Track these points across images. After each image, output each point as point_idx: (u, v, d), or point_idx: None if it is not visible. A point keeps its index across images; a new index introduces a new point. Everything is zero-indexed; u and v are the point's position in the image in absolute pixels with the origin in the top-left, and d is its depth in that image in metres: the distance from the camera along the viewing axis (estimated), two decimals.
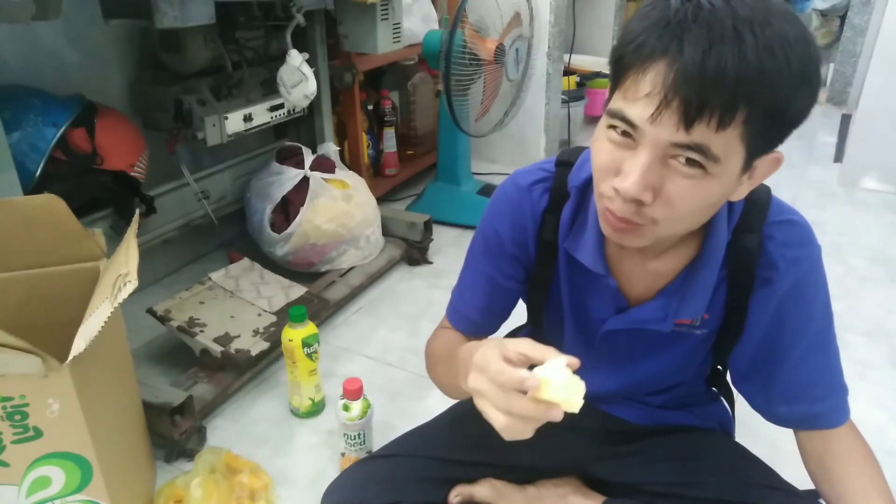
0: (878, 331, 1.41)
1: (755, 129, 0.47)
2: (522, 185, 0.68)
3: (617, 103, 0.50)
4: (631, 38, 0.48)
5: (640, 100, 0.47)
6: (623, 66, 0.49)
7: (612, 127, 0.50)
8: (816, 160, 2.47)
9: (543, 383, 0.47)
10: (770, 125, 0.48)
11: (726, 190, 0.51)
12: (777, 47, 0.45)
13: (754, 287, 0.62)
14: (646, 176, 0.48)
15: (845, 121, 2.59)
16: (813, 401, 0.65)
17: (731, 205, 0.60)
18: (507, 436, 0.49)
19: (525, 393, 0.47)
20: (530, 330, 0.84)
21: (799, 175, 2.32)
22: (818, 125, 2.91)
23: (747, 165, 0.51)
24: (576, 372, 0.48)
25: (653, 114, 0.47)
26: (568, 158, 0.67)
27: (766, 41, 0.44)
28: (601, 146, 0.52)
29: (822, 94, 3.27)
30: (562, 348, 0.77)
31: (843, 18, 3.18)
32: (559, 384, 0.47)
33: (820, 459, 0.66)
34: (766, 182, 0.58)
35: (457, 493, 0.76)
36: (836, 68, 3.18)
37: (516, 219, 0.68)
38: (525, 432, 0.49)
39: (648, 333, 0.66)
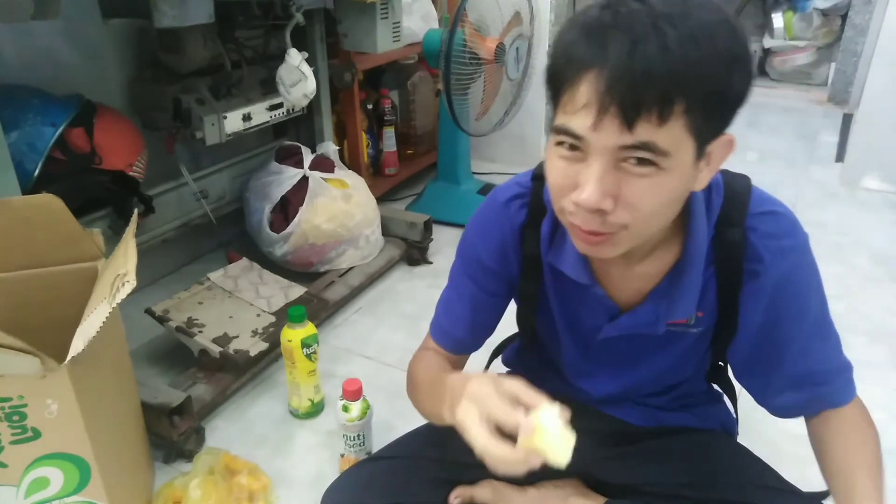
0: (879, 331, 1.41)
1: (697, 116, 0.47)
2: (500, 201, 0.69)
3: (560, 119, 0.50)
4: (559, 54, 0.49)
5: (579, 111, 0.48)
6: (558, 82, 0.50)
7: (560, 143, 0.51)
8: (818, 160, 2.46)
9: (538, 430, 0.47)
10: (711, 110, 0.48)
11: (685, 181, 0.51)
12: (700, 35, 0.45)
13: (743, 281, 0.61)
14: (602, 184, 0.49)
15: (847, 120, 2.58)
16: (816, 385, 0.65)
17: (709, 200, 0.60)
18: (494, 468, 0.50)
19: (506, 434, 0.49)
20: (520, 343, 0.83)
21: (800, 175, 2.31)
22: (819, 125, 2.90)
23: (700, 153, 0.51)
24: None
25: (593, 122, 0.47)
26: (543, 172, 0.67)
27: (687, 31, 0.45)
28: (553, 164, 0.52)
29: (823, 94, 3.27)
30: (559, 358, 0.77)
31: (844, 18, 3.17)
32: (554, 434, 0.47)
33: (820, 437, 0.66)
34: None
35: (457, 495, 0.76)
36: (838, 68, 3.17)
37: (496, 235, 0.69)
38: (508, 470, 0.49)
39: (644, 336, 0.66)
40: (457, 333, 0.74)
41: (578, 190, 0.50)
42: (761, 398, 0.69)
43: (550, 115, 0.53)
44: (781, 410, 0.68)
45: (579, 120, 0.48)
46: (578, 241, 0.55)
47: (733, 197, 0.61)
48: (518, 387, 0.51)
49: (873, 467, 0.61)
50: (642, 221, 0.51)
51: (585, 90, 0.47)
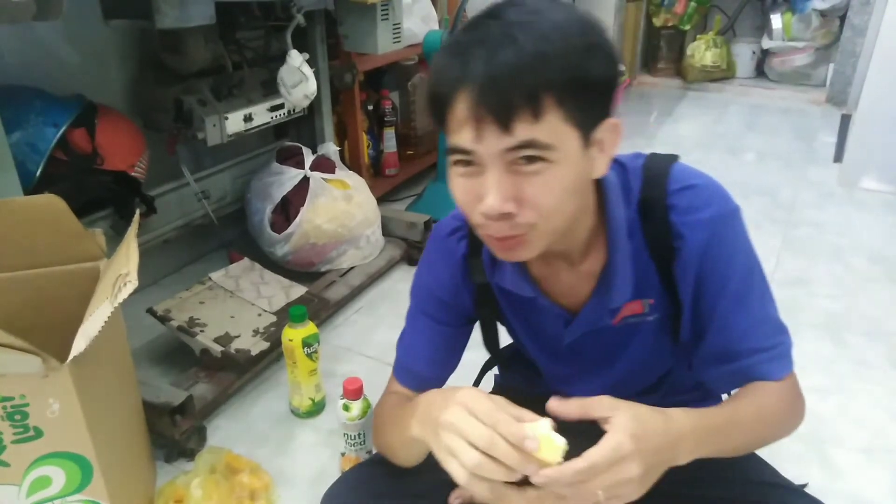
0: (878, 330, 1.41)
1: (571, 106, 0.50)
2: (441, 236, 0.72)
3: (449, 140, 0.53)
4: (433, 81, 0.53)
5: (461, 128, 0.51)
6: (438, 107, 0.53)
7: (457, 163, 0.53)
8: (816, 160, 2.47)
9: (544, 441, 0.48)
10: (583, 98, 0.50)
11: (578, 170, 0.53)
12: (551, 34, 0.49)
13: (675, 260, 0.62)
14: (500, 189, 0.51)
15: (845, 121, 2.59)
16: (737, 361, 0.63)
17: (627, 185, 0.62)
18: (467, 485, 0.50)
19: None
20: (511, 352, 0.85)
21: (799, 175, 2.32)
22: (818, 126, 2.91)
23: (587, 140, 0.53)
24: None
25: (475, 134, 0.50)
26: None
27: (538, 33, 0.48)
28: (455, 184, 0.55)
29: (822, 95, 3.28)
30: (539, 370, 0.77)
31: (842, 19, 3.18)
32: (558, 445, 0.48)
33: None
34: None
35: (457, 496, 0.77)
36: (836, 68, 3.18)
37: (443, 269, 0.71)
38: (483, 492, 0.50)
39: (604, 333, 0.67)
40: (420, 371, 0.75)
41: (482, 202, 0.52)
42: (696, 373, 0.68)
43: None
44: (712, 384, 0.68)
45: (463, 135, 0.51)
46: (496, 250, 0.57)
47: (652, 179, 0.62)
48: (503, 401, 0.52)
49: (749, 409, 0.59)
50: (548, 216, 0.53)
51: (461, 107, 0.50)
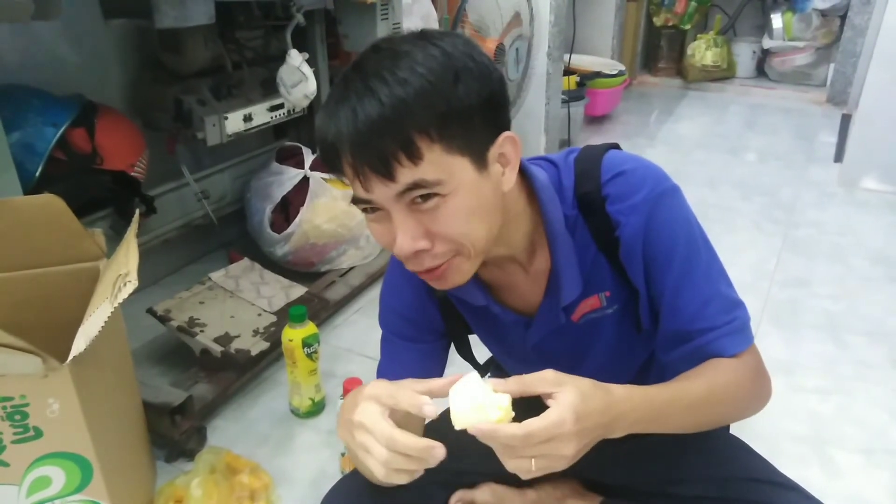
0: (879, 330, 1.41)
1: (452, 138, 0.50)
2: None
3: (351, 191, 0.54)
4: (318, 140, 0.54)
5: (353, 182, 0.52)
6: (329, 162, 0.54)
7: (364, 210, 0.55)
8: (816, 160, 2.47)
9: (454, 415, 0.49)
10: (459, 127, 0.50)
11: (481, 191, 0.53)
12: (408, 76, 0.49)
13: (619, 249, 0.62)
14: (407, 230, 0.52)
15: (845, 121, 2.59)
16: (690, 341, 0.61)
17: (559, 182, 0.62)
18: (387, 479, 0.51)
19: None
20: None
21: (799, 175, 2.32)
22: (818, 125, 2.91)
23: (481, 162, 0.53)
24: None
25: (363, 186, 0.51)
26: None
27: (396, 79, 0.49)
28: (372, 229, 0.56)
29: (822, 94, 3.27)
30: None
31: (843, 18, 3.17)
32: (469, 408, 0.48)
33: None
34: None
35: (458, 499, 0.77)
36: (836, 68, 3.17)
37: (407, 289, 0.71)
38: (403, 478, 0.51)
39: (568, 332, 0.67)
40: None
41: (395, 244, 0.53)
42: (659, 357, 0.67)
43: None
44: (673, 367, 0.66)
45: (357, 188, 0.52)
46: (430, 282, 0.58)
47: (585, 173, 0.62)
48: (411, 381, 0.54)
49: (699, 387, 0.58)
50: (466, 240, 0.53)
51: (345, 164, 0.52)
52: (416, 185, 0.50)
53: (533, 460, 0.49)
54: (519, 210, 0.60)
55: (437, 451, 0.50)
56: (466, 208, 0.52)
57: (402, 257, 0.54)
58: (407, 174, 0.49)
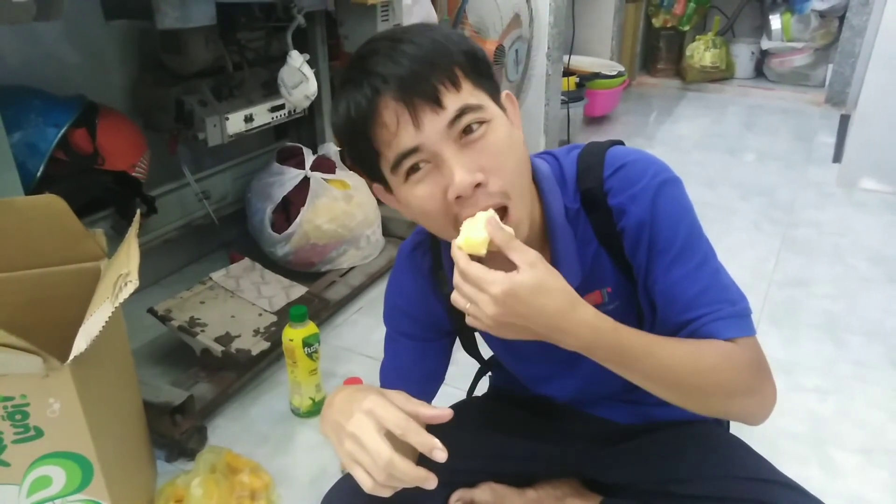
0: (877, 331, 1.42)
1: (474, 76, 0.55)
2: (405, 253, 0.73)
3: (390, 157, 0.54)
4: (347, 112, 0.55)
5: (397, 131, 0.53)
6: (362, 132, 0.54)
7: (408, 172, 0.55)
8: (815, 161, 2.47)
9: (467, 242, 0.52)
10: (479, 69, 0.56)
11: (511, 129, 0.57)
12: (426, 28, 0.56)
13: (623, 242, 0.62)
14: (462, 162, 0.53)
15: (844, 121, 2.59)
16: (684, 327, 0.60)
17: (562, 176, 0.63)
18: (373, 491, 0.52)
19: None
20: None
21: (798, 175, 2.32)
22: (817, 126, 2.91)
23: (500, 106, 0.58)
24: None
25: (414, 125, 0.52)
26: None
27: (417, 31, 0.55)
28: (415, 194, 0.55)
29: (821, 95, 3.28)
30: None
31: (841, 19, 3.18)
32: (481, 238, 0.51)
33: None
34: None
35: (458, 498, 0.77)
36: (835, 69, 3.18)
37: (412, 286, 0.72)
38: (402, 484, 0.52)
39: None
40: (407, 392, 0.75)
41: (451, 186, 0.53)
42: None
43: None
44: None
45: (404, 136, 0.53)
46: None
47: (588, 169, 0.63)
48: (403, 398, 0.55)
49: (683, 350, 0.56)
50: (513, 178, 0.55)
51: (389, 112, 0.53)
52: (463, 110, 0.53)
53: (467, 304, 0.52)
54: (532, 191, 0.61)
55: (430, 482, 0.51)
56: (506, 138, 0.55)
57: (460, 200, 0.53)
58: (453, 100, 0.53)
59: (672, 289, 0.60)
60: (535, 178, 0.62)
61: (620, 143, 0.65)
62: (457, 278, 0.53)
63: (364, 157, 0.57)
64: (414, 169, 0.54)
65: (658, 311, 0.63)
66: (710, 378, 0.57)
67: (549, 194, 0.62)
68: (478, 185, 0.53)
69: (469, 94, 0.54)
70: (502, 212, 0.55)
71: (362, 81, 0.53)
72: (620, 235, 0.62)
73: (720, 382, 0.58)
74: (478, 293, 0.51)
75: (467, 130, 0.53)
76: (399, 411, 0.53)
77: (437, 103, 0.52)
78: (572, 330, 0.53)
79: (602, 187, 0.61)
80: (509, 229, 0.53)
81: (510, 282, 0.50)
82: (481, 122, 0.54)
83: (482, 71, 0.56)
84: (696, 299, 0.59)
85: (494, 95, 0.57)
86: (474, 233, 0.52)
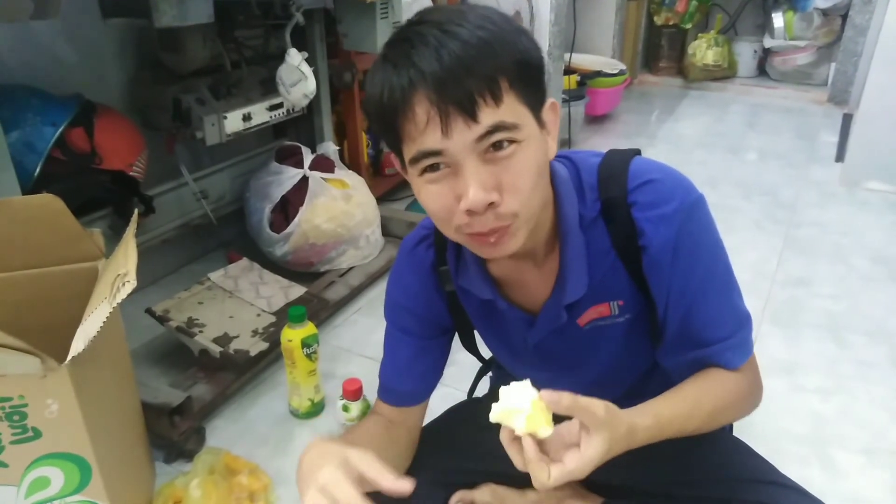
0: (879, 330, 1.41)
1: (520, 87, 0.52)
2: (408, 248, 0.72)
3: (410, 150, 0.52)
4: (378, 95, 0.52)
5: (425, 131, 0.50)
6: (389, 119, 0.52)
7: (425, 170, 0.53)
8: (818, 160, 2.46)
9: (494, 409, 0.49)
10: (528, 78, 0.52)
11: (541, 150, 0.55)
12: (483, 21, 0.51)
13: (641, 258, 0.61)
14: (480, 179, 0.51)
15: (847, 120, 2.58)
16: (699, 346, 0.62)
17: (580, 182, 0.62)
18: None
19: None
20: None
21: (800, 175, 2.31)
22: (819, 125, 2.90)
23: (540, 122, 0.54)
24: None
25: (442, 130, 0.50)
26: None
27: (472, 24, 0.50)
28: (428, 193, 0.54)
29: (823, 94, 3.27)
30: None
31: (844, 18, 3.17)
32: (525, 421, 0.49)
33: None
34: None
35: (458, 499, 0.76)
36: (838, 67, 3.17)
37: (414, 281, 0.71)
38: None
39: (571, 335, 0.66)
40: (404, 389, 0.75)
41: (464, 198, 0.51)
42: (657, 358, 0.68)
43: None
44: (672, 371, 0.67)
45: (430, 137, 0.50)
46: (481, 248, 0.56)
47: (611, 178, 0.61)
48: (365, 465, 0.52)
49: (700, 397, 0.60)
50: (527, 201, 0.53)
51: (420, 109, 0.50)
52: (496, 128, 0.50)
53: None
54: (549, 194, 0.60)
55: None
56: (536, 161, 0.53)
57: (469, 214, 0.52)
58: (489, 115, 0.49)
59: (691, 308, 0.61)
60: (553, 182, 0.61)
61: (638, 152, 0.64)
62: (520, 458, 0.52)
63: (387, 136, 0.55)
64: (432, 168, 0.52)
65: (670, 324, 0.63)
66: (725, 414, 0.64)
67: (564, 200, 0.61)
68: (490, 204, 0.51)
69: (508, 109, 0.50)
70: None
71: (402, 69, 0.50)
72: (640, 251, 0.60)
73: (732, 413, 0.65)
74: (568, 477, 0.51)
75: (496, 146, 0.51)
76: (352, 489, 0.50)
77: (471, 116, 0.49)
78: (638, 442, 0.56)
79: (626, 198, 0.60)
80: (551, 394, 0.50)
81: (589, 463, 0.50)
82: (512, 142, 0.51)
83: (531, 80, 0.52)
84: (713, 322, 0.62)
85: (537, 108, 0.54)
86: (517, 405, 0.49)
